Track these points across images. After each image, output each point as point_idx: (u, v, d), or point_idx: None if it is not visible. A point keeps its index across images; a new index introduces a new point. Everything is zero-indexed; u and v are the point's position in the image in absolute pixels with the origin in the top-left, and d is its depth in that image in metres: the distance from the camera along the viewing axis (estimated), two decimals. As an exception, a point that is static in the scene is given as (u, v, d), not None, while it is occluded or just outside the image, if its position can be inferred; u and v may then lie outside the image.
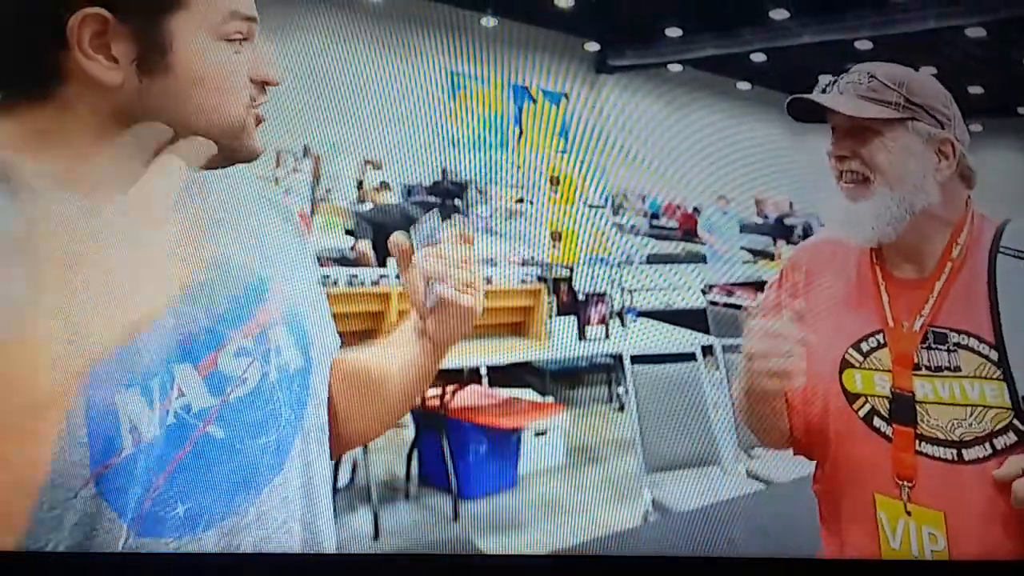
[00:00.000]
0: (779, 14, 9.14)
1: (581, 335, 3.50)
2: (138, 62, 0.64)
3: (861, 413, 0.94)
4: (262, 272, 0.76)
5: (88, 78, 0.63)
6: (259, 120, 0.71)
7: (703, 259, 4.76)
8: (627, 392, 2.71)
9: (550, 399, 3.60)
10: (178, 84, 0.65)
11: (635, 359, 2.74)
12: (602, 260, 3.93)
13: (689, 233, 5.45)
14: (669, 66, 9.56)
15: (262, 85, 0.71)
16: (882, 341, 0.94)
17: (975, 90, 11.16)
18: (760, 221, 5.76)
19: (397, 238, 0.85)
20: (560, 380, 4.00)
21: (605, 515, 2.95)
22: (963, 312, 0.91)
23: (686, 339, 3.31)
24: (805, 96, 0.96)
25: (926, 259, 0.95)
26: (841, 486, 0.97)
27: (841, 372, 0.96)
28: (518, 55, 5.82)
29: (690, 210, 5.39)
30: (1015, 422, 0.86)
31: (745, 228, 5.21)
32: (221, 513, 0.68)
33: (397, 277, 3.08)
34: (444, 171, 5.32)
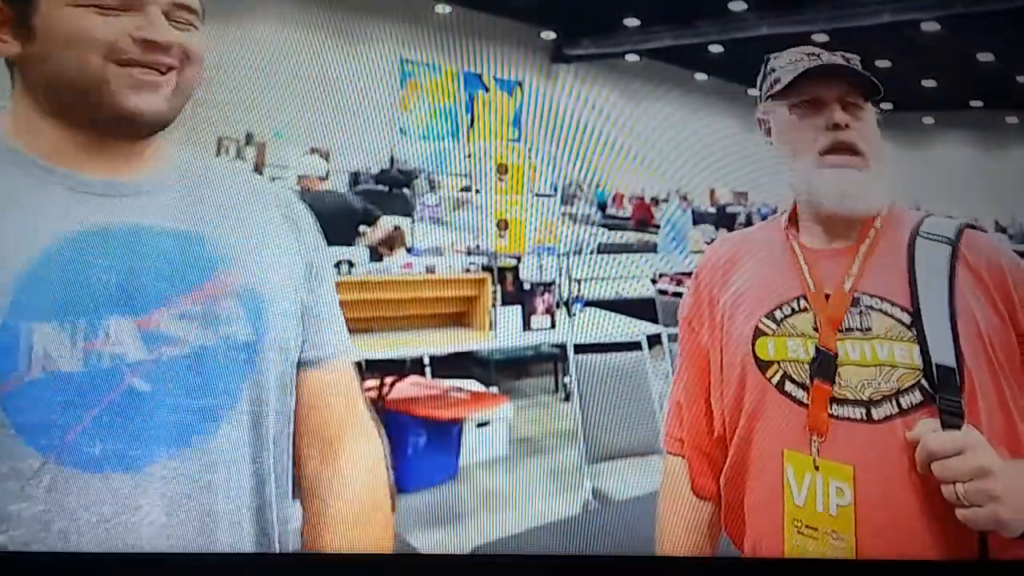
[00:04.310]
0: (737, 6, 9.20)
1: (526, 325, 3.47)
2: (13, 33, 0.72)
3: (774, 380, 0.94)
4: (224, 247, 0.80)
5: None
6: (141, 83, 0.73)
7: (654, 249, 4.76)
8: (572, 382, 2.68)
9: (494, 389, 3.56)
10: (43, 46, 0.72)
11: (579, 348, 2.70)
12: (550, 250, 3.90)
13: (642, 223, 5.44)
14: (626, 56, 9.56)
15: (145, 44, 0.73)
16: (798, 307, 0.94)
17: (928, 83, 11.37)
18: (713, 210, 5.80)
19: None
20: (505, 370, 3.97)
21: (545, 506, 2.92)
22: (880, 279, 0.92)
23: (633, 328, 3.29)
24: (858, 71, 0.95)
25: (850, 229, 0.96)
26: (750, 451, 0.96)
27: (754, 342, 0.96)
28: (472, 43, 5.74)
29: (646, 200, 5.38)
30: (922, 382, 0.86)
31: (697, 218, 5.23)
32: (138, 461, 0.72)
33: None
34: (392, 159, 5.22)
